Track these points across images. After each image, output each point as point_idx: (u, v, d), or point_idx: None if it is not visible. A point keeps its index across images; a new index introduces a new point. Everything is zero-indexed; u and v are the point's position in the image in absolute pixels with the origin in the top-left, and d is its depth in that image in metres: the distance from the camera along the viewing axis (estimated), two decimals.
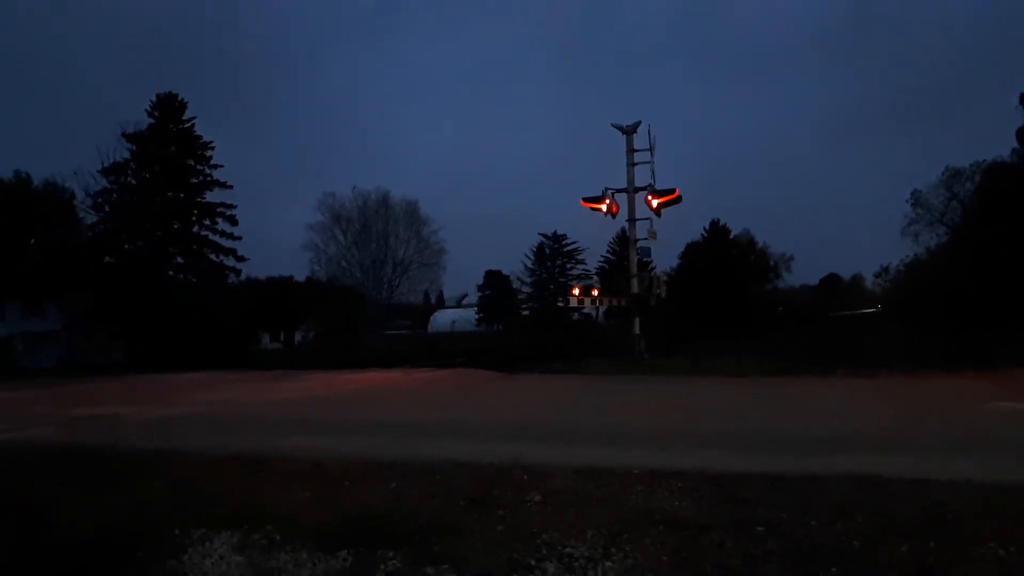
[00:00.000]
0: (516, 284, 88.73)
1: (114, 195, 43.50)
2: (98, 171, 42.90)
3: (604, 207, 25.37)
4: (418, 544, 4.95)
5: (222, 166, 45.33)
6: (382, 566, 4.61)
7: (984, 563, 4.39)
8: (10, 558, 5.00)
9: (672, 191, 24.93)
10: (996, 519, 5.16)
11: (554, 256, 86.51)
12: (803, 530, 5.09)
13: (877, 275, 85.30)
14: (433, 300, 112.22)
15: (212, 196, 45.09)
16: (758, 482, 6.48)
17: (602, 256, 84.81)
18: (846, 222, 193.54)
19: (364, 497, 6.39)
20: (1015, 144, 43.23)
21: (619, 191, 25.60)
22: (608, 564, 4.55)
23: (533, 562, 4.61)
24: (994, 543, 4.63)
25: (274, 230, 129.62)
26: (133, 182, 43.79)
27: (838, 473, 6.68)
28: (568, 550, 4.80)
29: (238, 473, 7.52)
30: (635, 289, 26.10)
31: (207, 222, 44.75)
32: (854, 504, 5.63)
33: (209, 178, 45.06)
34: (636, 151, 25.43)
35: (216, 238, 44.88)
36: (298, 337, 65.75)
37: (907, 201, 58.37)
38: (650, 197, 24.88)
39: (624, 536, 5.05)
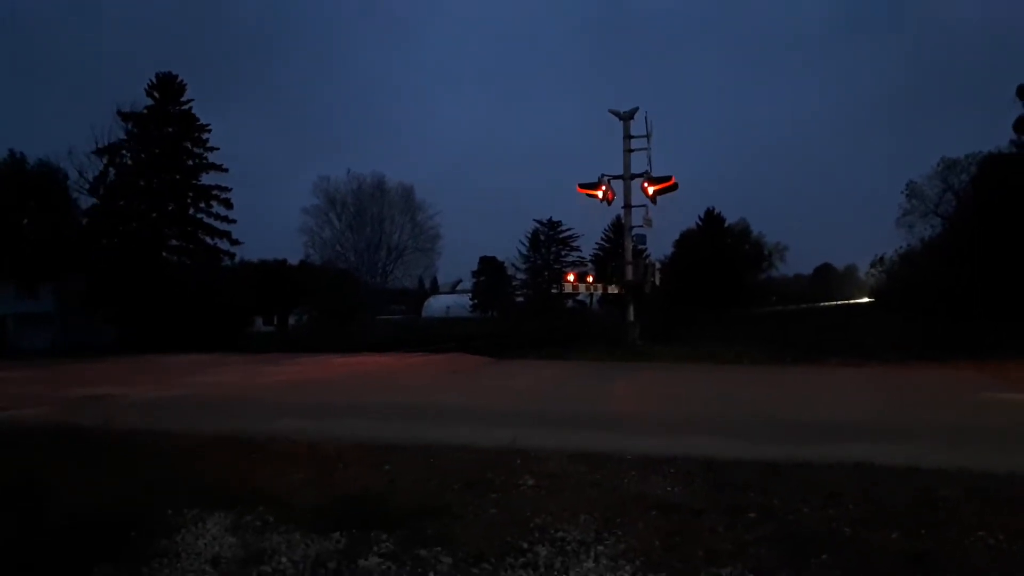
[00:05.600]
0: (511, 270, 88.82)
1: (109, 176, 43.20)
2: (93, 152, 42.62)
3: (600, 194, 25.30)
4: (411, 526, 4.95)
5: (218, 148, 45.11)
6: (375, 548, 4.61)
7: (975, 551, 4.41)
8: (4, 537, 4.99)
9: (668, 178, 24.89)
10: (987, 507, 5.19)
11: (549, 243, 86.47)
12: (795, 516, 5.11)
13: (872, 265, 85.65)
14: (427, 285, 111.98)
15: (207, 179, 44.91)
16: (750, 468, 6.51)
17: (597, 243, 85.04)
18: (841, 212, 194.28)
19: (358, 479, 6.39)
20: (1012, 135, 43.22)
21: (615, 178, 25.55)
22: (600, 548, 4.56)
23: (526, 545, 4.62)
24: (985, 531, 4.66)
25: (269, 213, 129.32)
26: (129, 163, 43.47)
27: (830, 460, 6.71)
28: (561, 534, 4.81)
29: (231, 455, 7.51)
30: (630, 276, 26.10)
31: (202, 205, 44.53)
32: (846, 491, 5.66)
33: (205, 160, 44.80)
34: (633, 137, 25.39)
35: (211, 221, 44.69)
36: (292, 321, 65.67)
37: (902, 192, 58.64)
38: (646, 184, 24.84)
39: (617, 520, 5.06)
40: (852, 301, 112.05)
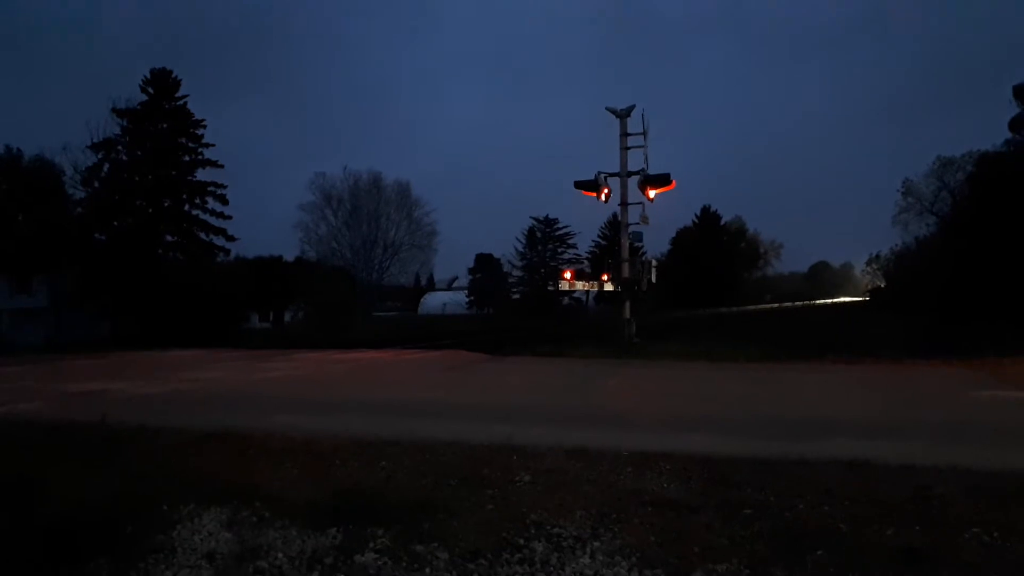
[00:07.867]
0: (507, 267, 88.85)
1: (104, 171, 43.08)
2: (87, 147, 42.50)
3: (596, 191, 25.27)
4: (408, 522, 4.95)
5: (214, 145, 45.05)
6: (371, 544, 4.61)
7: (970, 547, 4.43)
8: None
9: (665, 176, 24.84)
10: (982, 504, 5.21)
11: (545, 240, 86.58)
12: (791, 513, 5.13)
13: (868, 263, 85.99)
14: (424, 282, 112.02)
15: (203, 175, 44.85)
16: (746, 465, 6.52)
17: (593, 241, 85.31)
18: (838, 210, 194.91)
19: (354, 475, 6.39)
20: (1008, 135, 43.30)
21: (612, 175, 25.49)
22: (596, 544, 4.57)
23: (522, 541, 4.63)
24: (979, 528, 4.68)
25: (265, 208, 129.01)
26: (124, 158, 43.36)
27: (826, 457, 6.72)
28: (557, 530, 4.82)
29: (227, 450, 7.51)
30: (626, 274, 26.08)
31: (197, 201, 44.46)
32: (841, 488, 5.67)
33: (200, 156, 44.75)
34: (630, 135, 25.31)
35: (206, 217, 44.66)
36: (287, 317, 65.59)
37: (898, 190, 58.87)
38: (643, 182, 24.81)
39: (613, 516, 5.07)
40: (847, 299, 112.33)
